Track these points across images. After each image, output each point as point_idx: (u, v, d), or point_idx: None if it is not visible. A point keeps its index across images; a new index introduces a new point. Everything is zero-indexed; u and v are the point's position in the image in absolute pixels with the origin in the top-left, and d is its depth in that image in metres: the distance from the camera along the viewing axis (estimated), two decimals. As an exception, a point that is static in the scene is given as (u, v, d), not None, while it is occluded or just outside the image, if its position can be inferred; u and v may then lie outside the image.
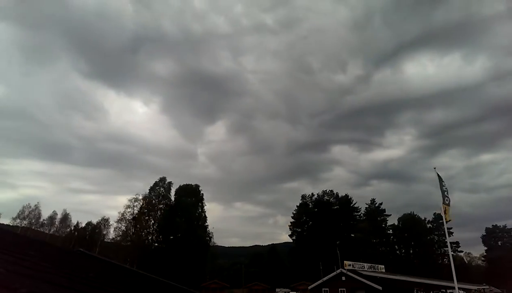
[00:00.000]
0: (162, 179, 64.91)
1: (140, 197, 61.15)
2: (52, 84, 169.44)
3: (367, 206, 76.20)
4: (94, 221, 70.47)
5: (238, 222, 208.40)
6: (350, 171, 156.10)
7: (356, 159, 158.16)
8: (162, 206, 62.84)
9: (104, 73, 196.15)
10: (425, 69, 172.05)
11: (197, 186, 66.29)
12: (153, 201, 61.83)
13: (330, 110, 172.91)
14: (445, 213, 15.59)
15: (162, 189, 63.86)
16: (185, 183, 66.64)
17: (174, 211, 61.85)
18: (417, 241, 71.69)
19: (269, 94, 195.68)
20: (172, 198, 64.39)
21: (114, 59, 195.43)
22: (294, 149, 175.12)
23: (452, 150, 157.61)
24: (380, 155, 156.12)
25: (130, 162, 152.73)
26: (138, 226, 59.00)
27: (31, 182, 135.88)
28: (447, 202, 15.78)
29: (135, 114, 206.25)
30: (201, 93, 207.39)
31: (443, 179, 16.42)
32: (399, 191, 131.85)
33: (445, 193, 15.93)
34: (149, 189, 63.21)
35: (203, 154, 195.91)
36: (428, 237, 72.64)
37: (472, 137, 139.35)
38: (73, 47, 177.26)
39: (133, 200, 60.69)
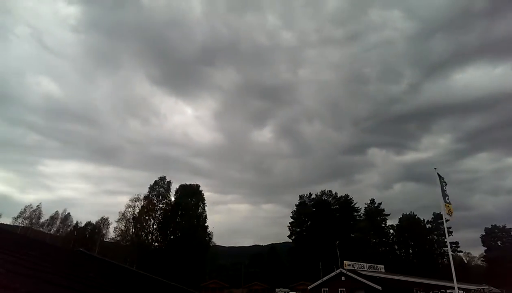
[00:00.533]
0: (162, 178, 64.76)
1: (142, 197, 61.22)
2: (115, 90, 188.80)
3: (366, 205, 76.28)
4: (94, 221, 70.52)
5: (263, 221, 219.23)
6: (380, 173, 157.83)
7: (389, 162, 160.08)
8: (162, 205, 62.75)
9: (167, 80, 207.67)
10: (474, 79, 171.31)
11: (197, 186, 66.25)
12: (153, 201, 61.78)
13: (374, 117, 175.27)
14: (449, 211, 15.60)
15: (161, 189, 63.69)
16: (186, 183, 66.77)
17: (174, 211, 61.83)
18: (416, 241, 71.72)
19: (318, 102, 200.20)
20: (172, 198, 64.34)
21: (178, 67, 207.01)
22: (333, 152, 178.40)
23: (482, 153, 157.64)
24: (411, 157, 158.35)
25: (174, 165, 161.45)
26: (138, 225, 58.98)
27: (70, 184, 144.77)
28: (448, 201, 15.84)
29: (187, 119, 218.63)
30: (255, 101, 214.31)
31: (444, 179, 16.47)
32: (424, 192, 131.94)
33: (445, 191, 15.98)
34: (149, 188, 63.04)
35: (247, 157, 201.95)
36: (428, 237, 72.66)
37: (503, 140, 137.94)
38: (141, 55, 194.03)
39: (134, 200, 60.78)
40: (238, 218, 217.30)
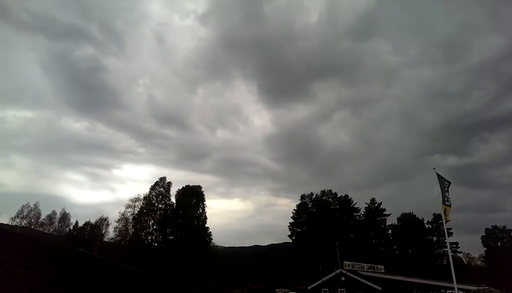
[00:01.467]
0: (162, 179, 64.98)
1: (141, 197, 61.35)
2: (214, 98, 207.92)
3: (366, 205, 76.24)
4: (93, 221, 70.50)
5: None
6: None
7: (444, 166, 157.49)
8: (162, 206, 62.90)
9: (268, 92, 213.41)
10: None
11: (199, 187, 66.72)
12: (153, 201, 61.90)
13: (442, 128, 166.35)
14: (445, 213, 15.59)
15: (162, 189, 63.91)
16: (188, 184, 67.22)
17: (175, 211, 62.12)
18: (416, 241, 71.73)
19: (395, 113, 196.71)
20: (172, 198, 64.60)
21: (283, 80, 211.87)
22: (397, 157, 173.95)
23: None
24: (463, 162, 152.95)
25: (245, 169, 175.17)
26: (138, 225, 59.04)
27: (138, 188, 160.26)
28: (447, 203, 15.74)
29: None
30: (341, 111, 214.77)
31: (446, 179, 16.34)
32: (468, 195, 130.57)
33: (446, 193, 15.88)
34: (149, 189, 63.33)
35: (318, 160, 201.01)
36: (428, 238, 72.67)
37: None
38: (248, 67, 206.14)
39: (134, 200, 60.86)
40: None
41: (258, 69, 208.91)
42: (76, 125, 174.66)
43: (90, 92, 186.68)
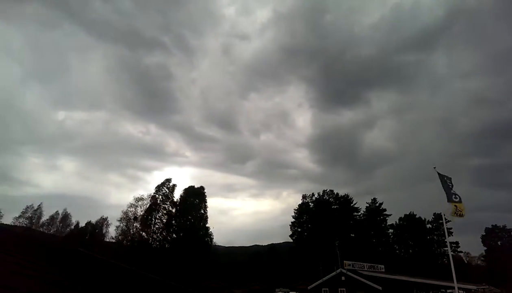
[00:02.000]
0: (168, 180, 65.96)
1: (145, 196, 61.79)
2: (264, 103, 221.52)
3: (367, 205, 76.22)
4: (94, 221, 70.54)
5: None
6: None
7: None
8: (166, 206, 63.44)
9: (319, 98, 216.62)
10: None
11: (201, 187, 67.42)
12: (158, 201, 62.43)
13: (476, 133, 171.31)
14: (457, 210, 15.09)
15: (166, 190, 64.67)
16: (192, 185, 67.97)
17: (178, 212, 62.80)
18: (416, 241, 71.73)
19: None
20: (175, 199, 65.21)
21: (336, 84, 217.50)
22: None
23: None
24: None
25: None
26: (140, 225, 59.27)
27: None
28: (456, 199, 15.32)
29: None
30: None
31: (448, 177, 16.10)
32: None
33: (452, 190, 15.57)
34: (155, 189, 64.06)
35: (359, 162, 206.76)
36: (428, 237, 72.66)
37: None
38: (306, 73, 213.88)
39: (137, 199, 61.04)
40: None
41: (312, 75, 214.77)
42: (130, 128, 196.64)
43: (151, 97, 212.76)
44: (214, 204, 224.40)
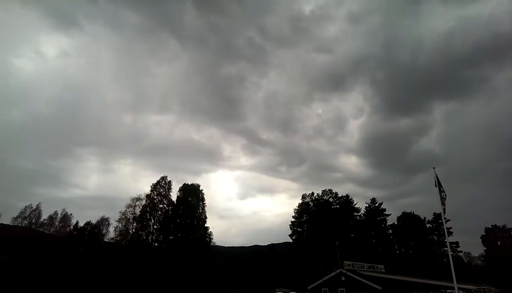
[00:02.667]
0: (164, 178, 64.87)
1: (143, 196, 61.36)
2: (324, 109, 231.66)
3: (367, 205, 76.26)
4: (94, 221, 70.38)
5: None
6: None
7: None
8: (162, 205, 62.86)
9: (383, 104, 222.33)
10: None
11: (198, 186, 66.39)
12: (155, 201, 61.92)
13: None
14: (444, 212, 15.66)
15: (162, 189, 63.79)
16: (188, 183, 66.80)
17: (175, 211, 62.00)
18: (416, 241, 71.75)
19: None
20: (173, 198, 64.44)
21: (399, 92, 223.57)
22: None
23: None
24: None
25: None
26: (139, 225, 59.03)
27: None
28: (443, 203, 15.86)
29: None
30: None
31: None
32: None
33: (442, 193, 15.98)
34: (151, 188, 63.06)
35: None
36: (428, 237, 72.69)
37: None
38: (370, 81, 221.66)
39: (134, 199, 60.80)
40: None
41: (376, 82, 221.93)
42: (192, 131, 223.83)
43: (218, 103, 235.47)
44: (247, 205, 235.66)
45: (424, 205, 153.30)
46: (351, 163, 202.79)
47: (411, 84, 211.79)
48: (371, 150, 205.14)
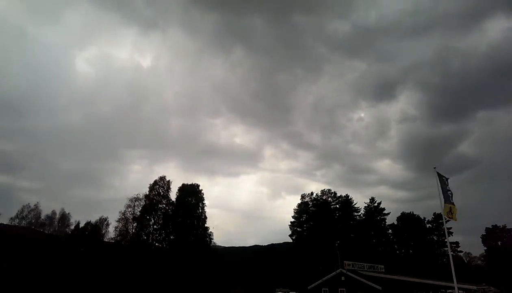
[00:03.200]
0: (162, 178, 64.65)
1: (141, 196, 61.16)
2: (371, 115, 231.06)
3: (366, 205, 76.20)
4: (93, 221, 70.27)
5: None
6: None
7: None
8: (162, 206, 62.70)
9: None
10: None
11: (197, 186, 66.31)
12: (154, 201, 61.67)
13: None
14: (451, 212, 15.27)
15: (161, 189, 63.60)
16: (186, 183, 66.63)
17: (175, 211, 61.85)
18: (416, 241, 71.73)
19: None
20: (173, 198, 64.22)
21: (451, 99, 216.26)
22: None
23: None
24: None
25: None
26: (138, 225, 58.92)
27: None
28: (451, 201, 15.45)
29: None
30: None
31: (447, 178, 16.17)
32: None
33: (449, 192, 15.69)
34: (148, 188, 62.76)
35: None
36: (428, 237, 72.66)
37: None
38: (420, 87, 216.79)
39: (133, 200, 60.65)
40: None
41: (423, 89, 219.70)
42: (238, 133, 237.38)
43: (267, 108, 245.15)
44: (274, 205, 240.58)
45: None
46: (387, 165, 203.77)
47: (459, 91, 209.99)
48: (409, 153, 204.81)
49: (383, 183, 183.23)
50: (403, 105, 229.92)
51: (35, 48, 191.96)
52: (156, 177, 66.31)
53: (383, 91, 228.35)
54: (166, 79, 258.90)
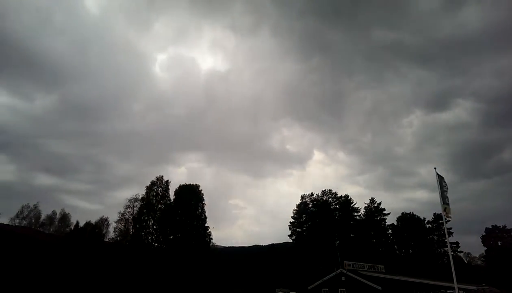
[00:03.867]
0: (159, 178, 64.45)
1: (140, 197, 61.07)
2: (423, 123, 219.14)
3: (366, 205, 76.25)
4: (93, 221, 70.27)
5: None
6: None
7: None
8: (161, 206, 62.61)
9: None
10: None
11: (197, 186, 65.98)
12: (152, 201, 61.63)
13: None
14: (445, 212, 15.63)
15: (160, 189, 63.44)
16: (184, 183, 66.36)
17: (174, 211, 61.70)
18: (416, 241, 71.74)
19: None
20: (171, 198, 64.02)
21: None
22: None
23: None
24: None
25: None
26: (137, 226, 58.88)
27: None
28: (447, 202, 15.84)
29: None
30: None
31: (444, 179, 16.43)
32: None
33: (445, 193, 15.95)
34: (145, 189, 62.53)
35: None
36: (428, 237, 72.68)
37: None
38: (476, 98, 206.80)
39: (132, 200, 60.62)
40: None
41: (480, 99, 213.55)
42: (288, 136, 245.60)
43: (327, 113, 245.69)
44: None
45: (479, 204, 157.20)
46: (430, 171, 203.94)
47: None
48: (455, 159, 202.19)
49: (422, 187, 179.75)
50: (458, 112, 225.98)
51: (128, 55, 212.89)
52: (206, 177, 66.46)
53: (440, 100, 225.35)
54: (235, 84, 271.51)
